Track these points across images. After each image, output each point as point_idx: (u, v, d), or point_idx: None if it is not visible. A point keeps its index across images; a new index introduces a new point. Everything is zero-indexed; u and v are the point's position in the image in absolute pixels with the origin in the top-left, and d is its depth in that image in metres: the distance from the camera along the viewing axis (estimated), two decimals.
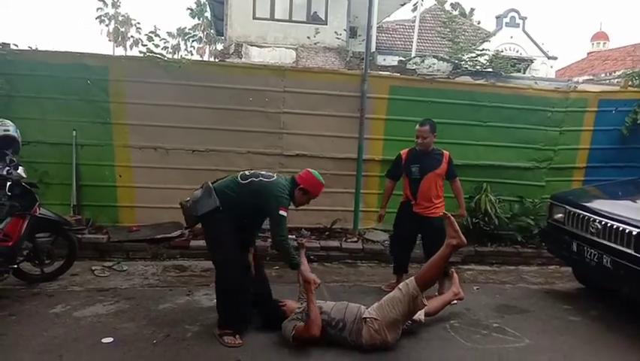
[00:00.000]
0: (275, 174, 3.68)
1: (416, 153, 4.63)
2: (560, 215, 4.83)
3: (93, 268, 5.06)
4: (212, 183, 3.62)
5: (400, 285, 3.59)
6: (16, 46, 5.74)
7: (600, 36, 35.15)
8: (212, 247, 3.70)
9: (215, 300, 3.70)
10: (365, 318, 3.42)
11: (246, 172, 3.66)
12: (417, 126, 4.58)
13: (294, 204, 3.71)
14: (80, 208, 5.85)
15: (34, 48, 5.85)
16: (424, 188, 4.53)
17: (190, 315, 3.88)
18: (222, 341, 3.47)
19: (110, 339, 3.45)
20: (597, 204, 4.59)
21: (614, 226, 4.01)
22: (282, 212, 3.44)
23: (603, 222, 4.14)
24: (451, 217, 3.63)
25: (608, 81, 11.30)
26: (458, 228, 3.59)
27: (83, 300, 4.18)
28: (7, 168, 4.18)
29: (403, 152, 4.78)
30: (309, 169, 3.75)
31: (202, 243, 5.07)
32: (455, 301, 4.22)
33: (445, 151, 4.69)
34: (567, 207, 4.71)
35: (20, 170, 4.28)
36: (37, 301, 4.12)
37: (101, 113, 5.83)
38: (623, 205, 4.49)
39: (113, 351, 3.31)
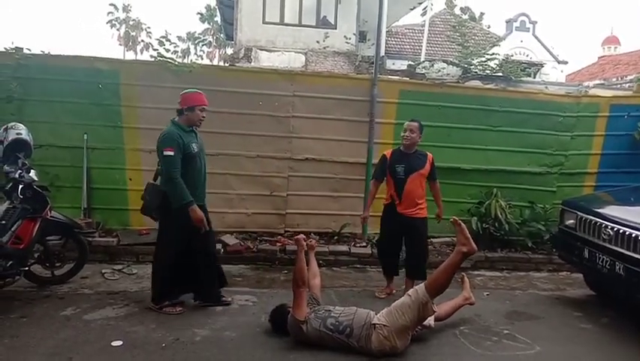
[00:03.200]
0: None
1: (400, 153, 4.70)
2: (572, 221, 4.78)
3: (103, 271, 5.09)
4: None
5: (410, 291, 3.56)
6: (29, 50, 5.80)
7: (611, 40, 34.81)
8: (166, 231, 4.13)
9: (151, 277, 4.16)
10: (374, 324, 3.40)
11: None
12: (407, 121, 4.71)
13: (194, 125, 4.12)
14: (90, 211, 5.89)
15: (46, 52, 5.92)
16: (408, 188, 4.55)
17: (198, 319, 3.88)
18: (164, 313, 3.90)
19: (119, 342, 3.47)
20: (609, 210, 4.55)
21: (627, 233, 3.96)
22: (165, 152, 3.88)
23: (615, 229, 4.09)
24: (462, 224, 3.57)
25: (619, 86, 11.20)
26: (469, 235, 3.54)
27: (93, 303, 4.21)
28: (20, 171, 4.23)
29: (387, 152, 4.82)
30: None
31: None
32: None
33: (428, 153, 4.75)
34: (579, 213, 4.67)
35: (32, 173, 4.34)
36: (48, 304, 4.15)
37: (112, 117, 5.89)
38: (636, 211, 4.43)
39: (123, 354, 3.32)
